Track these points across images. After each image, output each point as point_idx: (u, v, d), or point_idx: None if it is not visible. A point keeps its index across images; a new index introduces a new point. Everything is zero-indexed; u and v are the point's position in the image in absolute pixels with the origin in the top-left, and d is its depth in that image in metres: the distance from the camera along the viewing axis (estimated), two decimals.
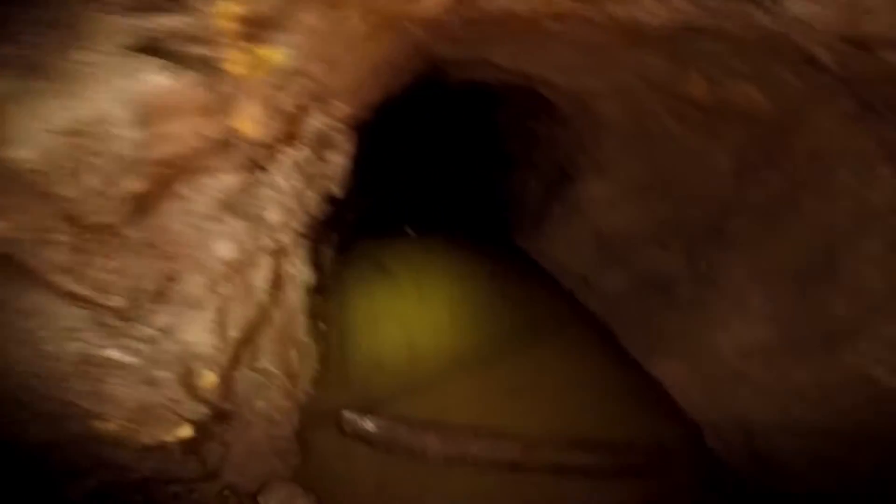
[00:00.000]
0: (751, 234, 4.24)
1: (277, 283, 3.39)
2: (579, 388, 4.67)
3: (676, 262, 5.17)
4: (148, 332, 2.37)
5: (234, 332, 2.71)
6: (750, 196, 4.39)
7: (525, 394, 4.51)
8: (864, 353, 2.96)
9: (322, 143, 3.01)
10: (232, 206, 2.20)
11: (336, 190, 3.66)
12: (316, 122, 2.79)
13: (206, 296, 2.29)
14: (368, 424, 3.68)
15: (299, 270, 3.64)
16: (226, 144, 1.94)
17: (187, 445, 2.34)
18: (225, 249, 2.20)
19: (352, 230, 6.90)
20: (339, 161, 3.31)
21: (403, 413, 3.96)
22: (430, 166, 9.23)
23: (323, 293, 5.31)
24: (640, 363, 5.01)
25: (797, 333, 3.48)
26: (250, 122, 1.94)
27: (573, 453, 3.67)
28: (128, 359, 2.09)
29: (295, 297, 3.84)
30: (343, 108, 3.10)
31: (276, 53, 2.00)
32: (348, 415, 3.70)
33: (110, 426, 2.08)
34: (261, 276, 2.75)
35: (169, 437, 2.31)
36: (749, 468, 3.74)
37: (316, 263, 5.27)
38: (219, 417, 2.72)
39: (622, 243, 5.83)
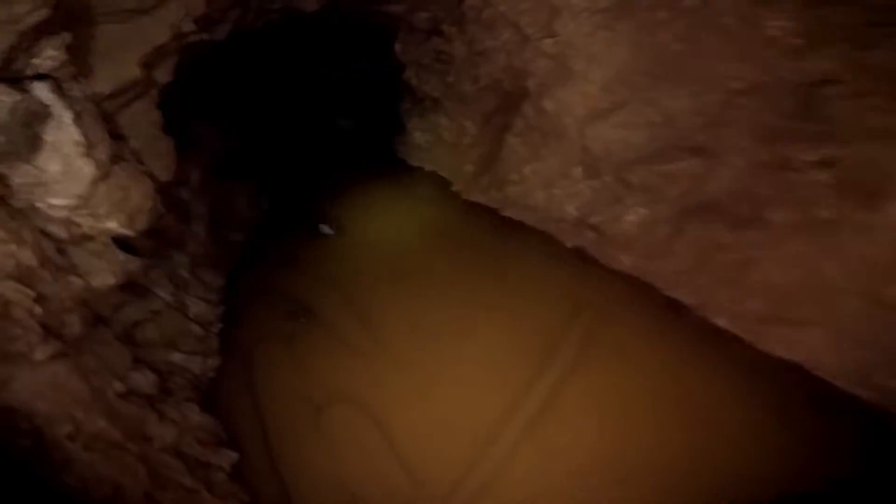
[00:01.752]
0: None
1: None
2: (666, 392, 3.08)
3: (733, 170, 3.45)
4: None
5: None
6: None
7: (611, 430, 2.96)
8: None
9: None
10: None
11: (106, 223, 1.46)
12: None
13: None
14: None
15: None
16: None
17: None
18: None
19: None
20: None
21: None
22: (334, 140, 6.84)
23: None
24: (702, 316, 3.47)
25: None
26: None
27: None
28: None
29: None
30: None
31: None
32: None
33: None
34: None
35: None
36: None
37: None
38: None
39: (631, 163, 4.01)
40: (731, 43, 3.28)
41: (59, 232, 1.65)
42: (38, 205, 1.50)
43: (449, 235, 5.05)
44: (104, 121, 1.91)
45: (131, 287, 3.26)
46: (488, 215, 5.21)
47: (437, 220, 5.35)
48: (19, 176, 1.42)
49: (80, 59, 2.02)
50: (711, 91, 3.50)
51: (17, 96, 1.34)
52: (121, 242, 2.59)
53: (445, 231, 5.14)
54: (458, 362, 3.55)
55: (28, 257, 1.46)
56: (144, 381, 2.72)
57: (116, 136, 2.62)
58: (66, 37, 1.54)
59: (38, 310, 1.50)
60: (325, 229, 5.16)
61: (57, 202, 1.50)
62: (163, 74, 3.37)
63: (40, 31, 1.38)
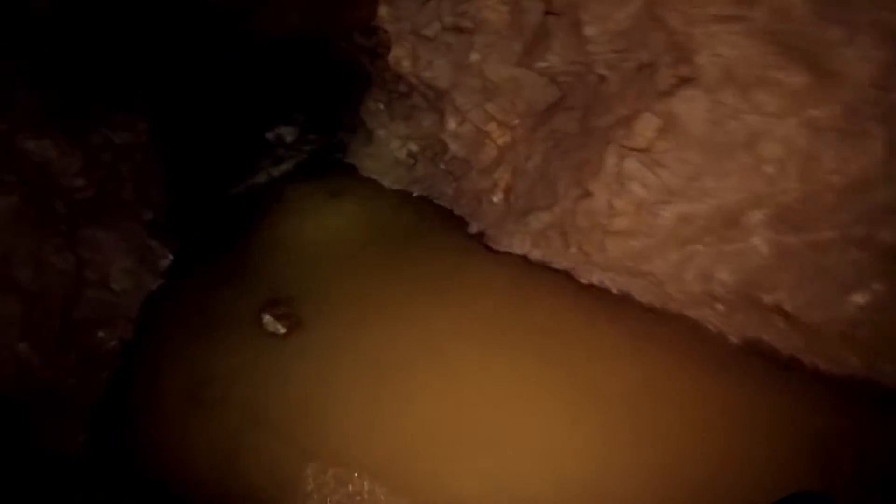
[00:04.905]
0: None
1: None
2: None
3: None
4: None
5: None
6: None
7: None
8: None
9: None
10: None
11: None
12: None
13: None
14: None
15: None
16: None
17: None
18: None
19: None
20: None
21: None
22: None
23: None
24: None
25: None
26: None
27: None
28: None
29: None
30: None
31: None
32: None
33: None
34: None
35: None
36: None
37: None
38: None
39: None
40: None
41: None
42: None
43: (505, 326, 2.86)
44: None
45: None
46: (549, 279, 3.19)
47: (463, 291, 3.12)
48: None
49: None
50: None
51: None
52: None
53: (483, 315, 2.93)
54: None
55: None
56: None
57: None
58: None
59: None
60: (272, 324, 2.49)
61: None
62: None
63: None
